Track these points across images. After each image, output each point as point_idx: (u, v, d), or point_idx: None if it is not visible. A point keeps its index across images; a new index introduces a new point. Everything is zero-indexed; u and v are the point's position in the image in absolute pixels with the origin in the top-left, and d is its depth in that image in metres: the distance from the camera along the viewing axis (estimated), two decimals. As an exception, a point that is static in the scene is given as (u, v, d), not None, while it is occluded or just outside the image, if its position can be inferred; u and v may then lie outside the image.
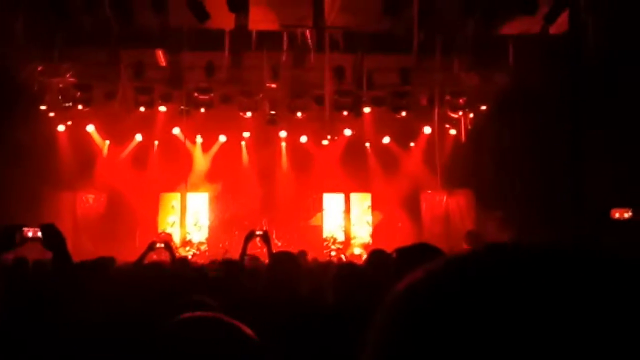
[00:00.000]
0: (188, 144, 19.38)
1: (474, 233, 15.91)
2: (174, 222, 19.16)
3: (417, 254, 2.60)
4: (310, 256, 12.46)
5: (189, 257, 14.57)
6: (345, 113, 16.79)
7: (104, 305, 3.72)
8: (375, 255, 4.89)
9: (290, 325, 3.72)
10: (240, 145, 19.67)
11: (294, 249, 16.08)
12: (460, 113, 17.39)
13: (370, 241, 19.30)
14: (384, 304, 0.77)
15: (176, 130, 18.81)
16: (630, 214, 11.97)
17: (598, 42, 11.18)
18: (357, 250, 18.96)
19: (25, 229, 3.25)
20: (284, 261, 4.75)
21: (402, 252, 2.60)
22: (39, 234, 3.26)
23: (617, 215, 12.06)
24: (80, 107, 16.11)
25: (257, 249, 12.29)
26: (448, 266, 0.74)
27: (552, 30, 12.27)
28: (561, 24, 11.94)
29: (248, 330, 1.51)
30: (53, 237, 3.29)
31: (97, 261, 6.24)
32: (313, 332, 3.48)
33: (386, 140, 19.62)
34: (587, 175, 11.71)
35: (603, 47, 11.23)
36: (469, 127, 17.67)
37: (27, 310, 3.21)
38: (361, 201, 20.24)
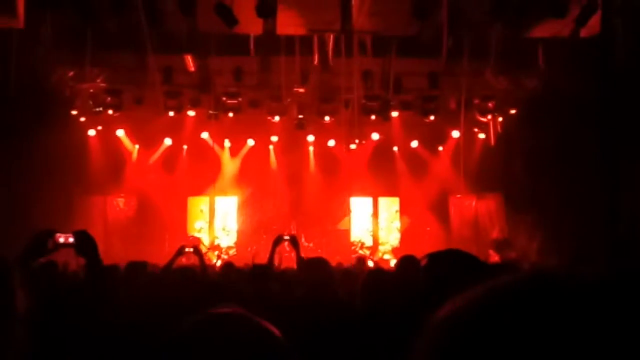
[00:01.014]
0: (216, 148, 19.51)
1: (501, 240, 15.81)
2: (201, 228, 19.25)
3: (448, 260, 2.57)
4: (337, 260, 12.44)
5: (216, 262, 14.62)
6: (373, 117, 16.75)
7: (133, 310, 3.74)
8: (406, 261, 4.86)
9: (319, 329, 3.71)
10: (269, 149, 19.73)
11: (322, 253, 16.14)
12: (489, 117, 17.29)
13: (399, 245, 19.23)
14: (426, 329, 0.77)
15: (205, 135, 18.95)
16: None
17: (630, 45, 11.03)
18: (385, 255, 18.90)
19: (57, 234, 3.27)
20: (316, 267, 4.74)
21: (433, 258, 2.58)
22: (71, 239, 3.29)
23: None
24: (110, 111, 16.28)
25: (286, 253, 12.37)
26: (490, 298, 0.73)
27: (583, 33, 12.12)
28: (592, 26, 11.79)
29: (274, 329, 1.51)
30: (85, 243, 3.31)
31: (129, 266, 6.29)
32: (341, 337, 3.47)
33: (414, 144, 19.56)
34: (621, 180, 11.55)
35: (635, 50, 11.08)
36: (499, 130, 17.55)
37: (53, 314, 3.24)
38: (389, 205, 20.20)
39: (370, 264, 15.36)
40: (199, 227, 19.23)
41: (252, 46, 13.29)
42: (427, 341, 0.74)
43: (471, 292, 0.75)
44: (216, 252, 17.53)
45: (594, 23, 11.67)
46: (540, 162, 15.18)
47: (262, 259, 6.15)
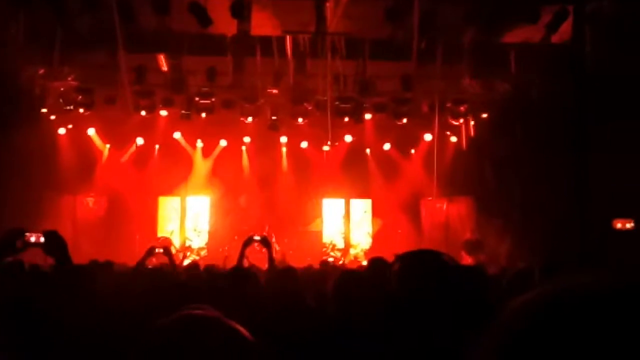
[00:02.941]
0: (189, 148, 19.41)
1: (472, 241, 15.94)
2: (173, 231, 19.12)
3: (419, 260, 2.59)
4: (308, 262, 12.44)
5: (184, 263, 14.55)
6: (346, 119, 16.81)
7: (99, 310, 3.71)
8: (376, 263, 4.88)
9: (290, 331, 3.71)
10: (241, 150, 19.69)
11: (293, 254, 16.13)
12: (462, 120, 17.42)
13: (370, 247, 19.28)
14: (499, 318, 0.79)
15: (177, 135, 18.85)
16: (632, 224, 11.96)
17: (599, 52, 11.19)
18: (356, 256, 18.94)
19: (27, 234, 3.23)
20: (285, 272, 4.75)
21: (404, 258, 2.59)
22: (42, 239, 3.25)
23: (619, 225, 12.05)
24: (81, 110, 16.12)
25: (258, 253, 12.33)
26: (569, 293, 0.76)
27: (554, 39, 12.28)
28: (563, 33, 11.95)
29: (246, 332, 1.51)
30: (55, 243, 3.28)
31: (91, 265, 6.24)
32: (313, 338, 3.47)
33: (387, 146, 19.64)
34: (589, 185, 11.71)
35: (604, 56, 11.24)
36: (470, 134, 17.68)
37: (17, 313, 3.20)
38: (361, 207, 20.25)
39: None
40: (170, 230, 19.09)
41: (229, 47, 13.24)
42: (502, 329, 0.77)
43: (546, 286, 0.78)
44: (181, 254, 17.36)
45: (565, 29, 11.83)
46: (511, 166, 15.34)
47: (234, 260, 6.13)
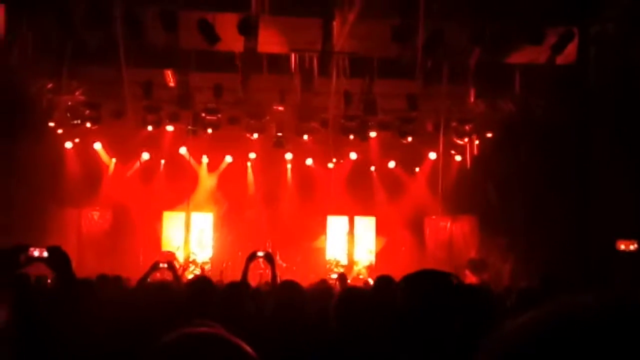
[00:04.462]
0: (194, 163, 19.46)
1: (477, 261, 15.91)
2: (179, 247, 19.12)
3: (425, 281, 2.61)
4: (312, 279, 12.42)
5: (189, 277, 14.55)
6: (351, 137, 16.86)
7: (101, 325, 3.74)
8: (382, 281, 4.90)
9: (293, 348, 3.73)
10: (246, 166, 19.73)
11: (297, 271, 16.12)
12: (466, 140, 17.44)
13: (374, 265, 19.26)
14: (500, 336, 0.80)
15: (183, 150, 18.90)
16: (635, 246, 11.93)
17: (604, 74, 11.23)
18: (359, 273, 18.91)
19: (31, 249, 3.26)
20: (289, 287, 4.77)
21: (410, 279, 2.61)
22: (45, 254, 3.28)
23: (622, 247, 12.01)
24: (88, 124, 16.18)
25: (261, 269, 12.34)
26: (571, 312, 0.77)
27: (559, 60, 12.33)
28: (568, 54, 12.00)
29: (248, 349, 1.53)
30: (59, 258, 3.31)
31: (96, 280, 6.26)
32: (315, 354, 3.49)
33: (392, 164, 19.68)
34: (593, 206, 11.70)
35: (609, 78, 11.28)
36: (475, 153, 17.70)
37: (24, 327, 3.23)
38: (365, 225, 20.24)
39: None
40: (177, 246, 19.06)
41: (236, 63, 13.31)
42: (504, 345, 0.79)
43: (554, 305, 0.79)
44: (181, 269, 17.31)
45: (570, 51, 11.88)
46: (515, 185, 15.34)
47: (235, 275, 6.14)
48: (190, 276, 14.56)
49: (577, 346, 0.71)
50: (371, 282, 12.46)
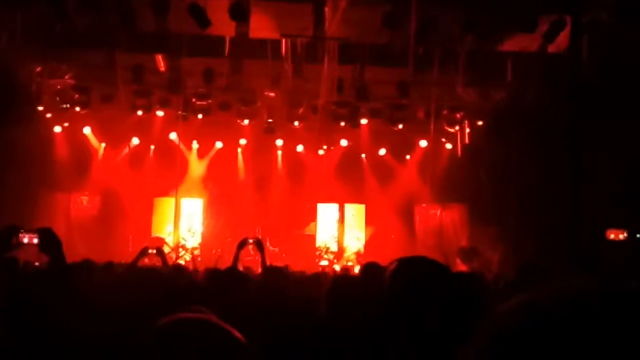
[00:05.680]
0: (184, 149, 19.40)
1: (467, 249, 15.95)
2: (170, 232, 19.07)
3: (414, 267, 2.60)
4: (301, 265, 12.44)
5: (182, 262, 14.54)
6: (342, 124, 16.84)
7: (91, 309, 3.72)
8: (370, 267, 4.90)
9: (282, 335, 3.72)
10: (237, 152, 19.70)
11: (286, 258, 16.14)
12: (457, 127, 17.46)
13: (363, 252, 19.29)
14: (488, 322, 0.80)
15: (173, 135, 18.82)
16: (625, 235, 12.00)
17: (596, 62, 11.24)
18: (349, 261, 18.95)
19: (22, 231, 3.24)
20: (276, 273, 4.76)
21: (399, 265, 2.60)
22: (36, 237, 3.26)
23: (612, 236, 12.08)
24: (77, 109, 16.09)
25: (251, 256, 12.34)
26: (557, 297, 0.77)
27: (551, 48, 12.33)
28: (560, 42, 11.99)
29: (238, 335, 1.52)
30: (50, 241, 3.29)
31: (86, 263, 6.23)
32: (305, 342, 3.48)
33: (382, 152, 19.68)
34: (584, 195, 11.74)
35: (601, 66, 11.29)
36: (466, 141, 17.72)
37: (12, 311, 3.21)
38: (355, 212, 20.26)
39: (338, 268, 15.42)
40: (168, 232, 19.02)
41: (227, 49, 13.24)
42: (483, 341, 0.78)
43: (539, 292, 0.78)
44: (174, 254, 17.30)
45: (562, 39, 11.87)
46: (506, 173, 15.37)
47: (226, 261, 6.13)
48: (181, 262, 14.51)
49: (562, 331, 0.72)
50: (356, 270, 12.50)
